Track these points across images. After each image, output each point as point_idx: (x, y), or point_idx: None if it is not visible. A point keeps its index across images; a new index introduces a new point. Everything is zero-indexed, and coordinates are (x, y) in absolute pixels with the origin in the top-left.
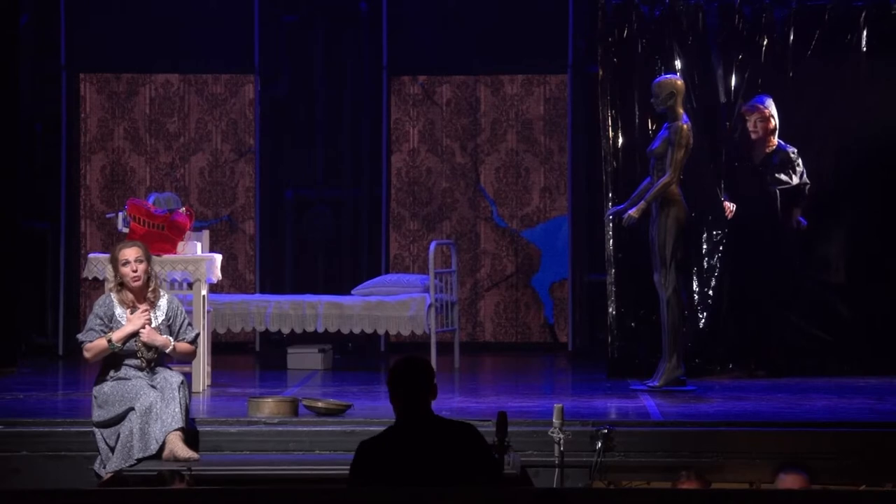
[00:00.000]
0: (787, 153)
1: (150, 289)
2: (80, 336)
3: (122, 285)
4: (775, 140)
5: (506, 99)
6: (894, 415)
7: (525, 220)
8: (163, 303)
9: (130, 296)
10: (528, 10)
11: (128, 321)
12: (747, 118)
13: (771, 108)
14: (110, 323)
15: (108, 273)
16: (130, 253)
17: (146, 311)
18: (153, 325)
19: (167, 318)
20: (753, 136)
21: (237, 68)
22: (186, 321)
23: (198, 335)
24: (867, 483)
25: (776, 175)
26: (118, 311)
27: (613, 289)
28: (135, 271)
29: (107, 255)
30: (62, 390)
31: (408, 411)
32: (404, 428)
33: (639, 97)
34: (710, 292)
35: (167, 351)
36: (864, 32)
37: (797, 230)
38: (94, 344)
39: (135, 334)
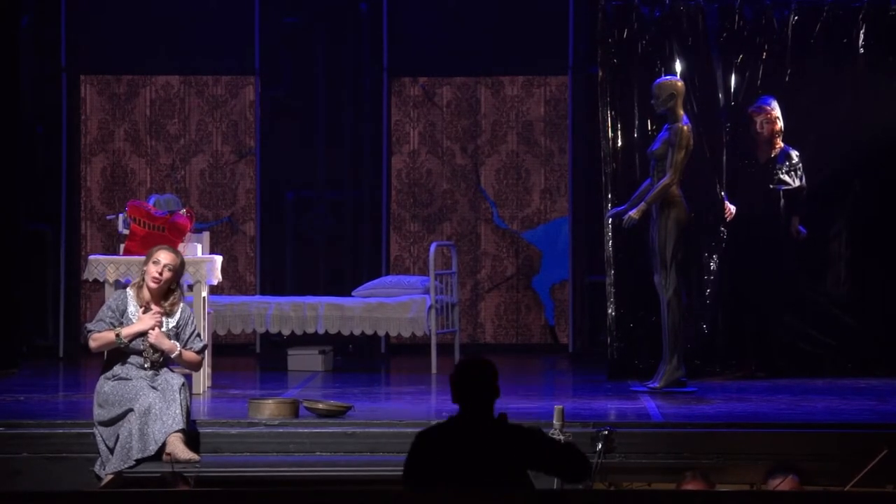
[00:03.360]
0: (791, 155)
1: (168, 301)
2: (88, 325)
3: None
4: (780, 142)
5: (506, 100)
6: (895, 416)
7: (525, 222)
8: (176, 310)
9: (148, 296)
10: (529, 12)
11: (139, 320)
12: (754, 119)
13: (776, 109)
14: (121, 318)
15: (109, 272)
16: (166, 257)
17: (158, 312)
18: (163, 328)
19: (177, 326)
20: (759, 137)
21: (238, 70)
22: (195, 332)
23: (205, 346)
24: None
25: (780, 176)
26: (131, 308)
27: (612, 290)
28: (159, 274)
29: (107, 257)
30: (63, 392)
31: (471, 409)
32: (464, 422)
33: (639, 98)
34: (711, 293)
35: (173, 356)
36: (863, 33)
37: (797, 239)
38: (102, 335)
39: (143, 334)
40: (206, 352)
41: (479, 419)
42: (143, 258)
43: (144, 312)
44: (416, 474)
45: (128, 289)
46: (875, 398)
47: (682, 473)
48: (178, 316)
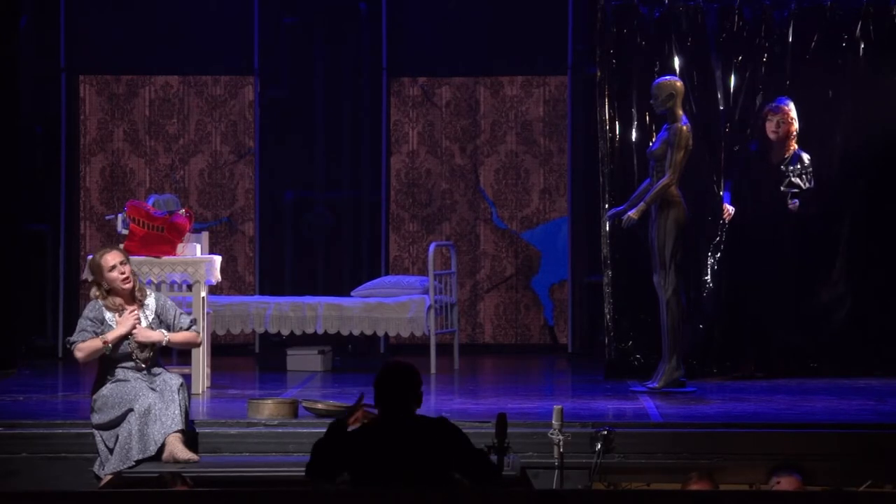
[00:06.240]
0: (803, 158)
1: (136, 288)
2: (70, 338)
3: (109, 292)
4: (794, 143)
5: (505, 100)
6: (895, 416)
7: (525, 222)
8: (150, 301)
9: (118, 300)
10: (528, 12)
11: (118, 324)
12: (769, 118)
13: (793, 111)
14: (102, 325)
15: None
16: (113, 257)
17: (134, 311)
18: (144, 323)
19: (157, 315)
20: (773, 136)
21: (237, 70)
22: (178, 311)
23: (194, 321)
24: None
25: (792, 179)
26: (108, 315)
27: (610, 290)
28: (123, 273)
29: None
30: (61, 392)
31: (390, 414)
32: (384, 426)
33: (638, 98)
34: (709, 293)
35: (164, 344)
36: (863, 33)
37: (790, 211)
38: (87, 344)
39: (127, 336)
40: (197, 326)
41: (398, 422)
42: (143, 258)
43: (121, 316)
44: (324, 462)
45: (97, 300)
46: (874, 398)
47: (687, 474)
48: (153, 304)
